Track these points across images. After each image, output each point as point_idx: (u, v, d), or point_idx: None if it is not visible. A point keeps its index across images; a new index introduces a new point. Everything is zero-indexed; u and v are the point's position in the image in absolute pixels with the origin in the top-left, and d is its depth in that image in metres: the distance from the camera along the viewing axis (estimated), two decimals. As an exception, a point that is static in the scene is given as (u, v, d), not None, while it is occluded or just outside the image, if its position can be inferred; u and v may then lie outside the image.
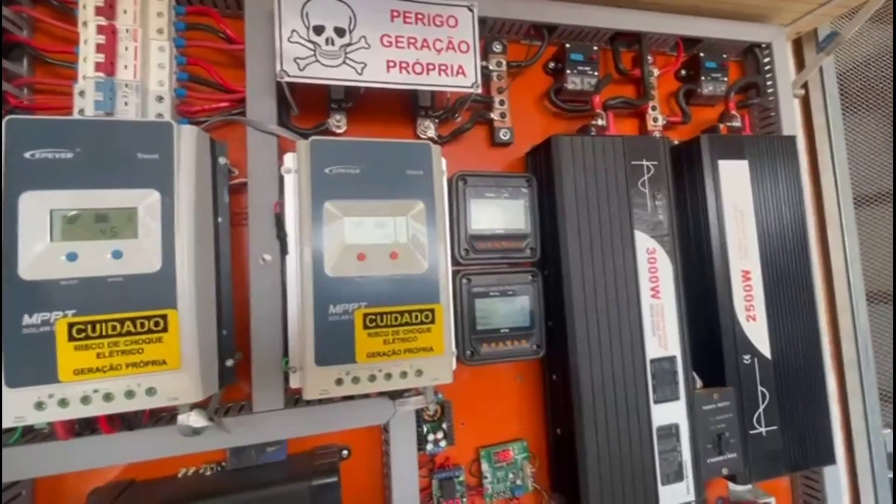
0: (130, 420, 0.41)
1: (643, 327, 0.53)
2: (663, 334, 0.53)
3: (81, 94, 0.42)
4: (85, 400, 0.36)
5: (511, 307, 0.52)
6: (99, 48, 0.41)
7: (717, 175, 0.57)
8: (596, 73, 0.59)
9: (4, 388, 0.34)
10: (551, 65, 0.62)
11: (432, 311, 0.44)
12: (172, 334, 0.37)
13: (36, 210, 0.36)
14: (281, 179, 0.46)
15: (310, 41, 0.44)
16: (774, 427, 0.56)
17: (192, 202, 0.39)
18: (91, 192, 0.37)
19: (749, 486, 0.57)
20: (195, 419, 0.40)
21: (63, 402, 0.35)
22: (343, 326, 0.41)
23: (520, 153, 0.60)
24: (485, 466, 0.54)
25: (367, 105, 0.53)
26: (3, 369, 0.34)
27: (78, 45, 0.43)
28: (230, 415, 0.44)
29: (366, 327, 0.42)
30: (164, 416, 0.44)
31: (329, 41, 0.45)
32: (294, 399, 0.46)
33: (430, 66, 0.47)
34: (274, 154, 0.47)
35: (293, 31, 0.44)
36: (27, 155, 0.36)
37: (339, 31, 0.45)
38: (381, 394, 0.47)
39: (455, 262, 0.50)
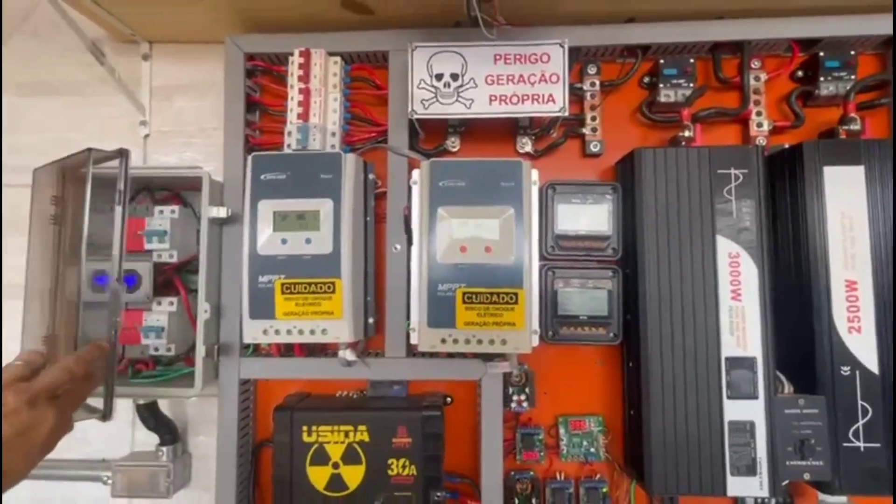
0: (311, 350, 0.62)
1: (720, 327, 0.56)
2: (742, 335, 0.56)
3: (289, 134, 0.63)
4: (289, 332, 0.56)
5: (590, 298, 0.61)
6: (299, 103, 0.62)
7: (821, 182, 0.56)
8: (691, 85, 0.63)
9: (249, 319, 0.57)
10: (646, 79, 0.67)
11: (516, 294, 0.55)
12: (338, 295, 0.56)
13: (266, 211, 0.57)
14: (409, 189, 0.63)
15: (432, 86, 0.59)
16: (877, 444, 0.54)
17: (351, 207, 0.58)
18: (295, 200, 0.57)
19: (844, 499, 0.56)
20: (349, 354, 0.58)
21: (278, 332, 0.56)
22: (448, 300, 0.55)
23: (611, 162, 0.67)
24: (561, 431, 0.64)
25: (476, 128, 0.66)
26: (249, 307, 0.56)
27: (286, 100, 0.65)
28: (370, 357, 0.62)
29: (464, 302, 0.55)
30: (327, 353, 0.64)
31: (446, 84, 0.59)
32: (413, 352, 0.62)
33: (525, 97, 0.58)
34: (405, 171, 0.63)
35: (421, 79, 0.59)
36: (262, 177, 0.58)
37: (454, 76, 0.59)
38: (476, 356, 0.60)
39: (542, 258, 0.60)
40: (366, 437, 0.59)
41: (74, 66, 0.74)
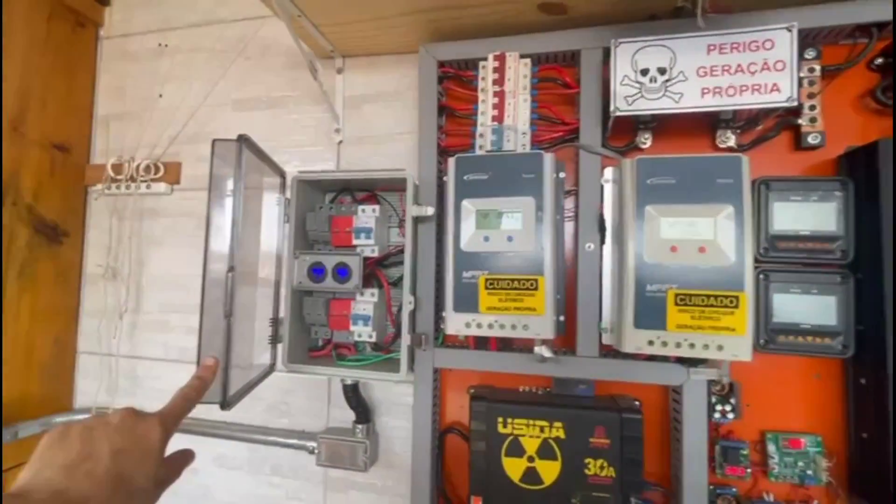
0: (505, 345, 0.64)
1: None
2: None
3: (481, 135, 0.66)
4: (491, 326, 0.59)
5: (814, 305, 0.55)
6: (494, 106, 0.65)
7: None
8: (945, 64, 0.54)
9: (453, 312, 0.60)
10: (878, 60, 0.59)
11: (737, 297, 0.52)
12: (541, 292, 0.57)
13: (469, 210, 0.60)
14: (601, 188, 0.62)
15: (637, 82, 0.58)
16: None
17: (551, 205, 0.59)
18: (497, 199, 0.60)
19: None
20: (545, 351, 0.59)
21: (480, 325, 0.59)
22: (657, 301, 0.54)
23: (828, 155, 0.60)
24: (771, 448, 0.59)
25: (669, 123, 0.64)
26: (454, 300, 0.60)
27: (475, 103, 0.68)
28: (558, 355, 0.62)
29: (676, 304, 0.53)
30: (513, 348, 0.66)
31: (652, 80, 0.57)
32: (604, 353, 0.62)
33: (744, 88, 0.55)
34: (598, 169, 0.62)
35: (624, 76, 0.58)
36: (465, 178, 0.61)
37: (661, 70, 0.57)
38: (677, 360, 0.58)
39: (753, 260, 0.56)
40: (561, 434, 0.59)
41: (277, 83, 0.85)
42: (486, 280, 0.59)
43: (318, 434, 0.73)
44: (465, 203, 0.61)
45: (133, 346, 0.88)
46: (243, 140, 0.58)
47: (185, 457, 0.44)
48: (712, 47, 0.56)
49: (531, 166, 0.59)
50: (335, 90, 0.81)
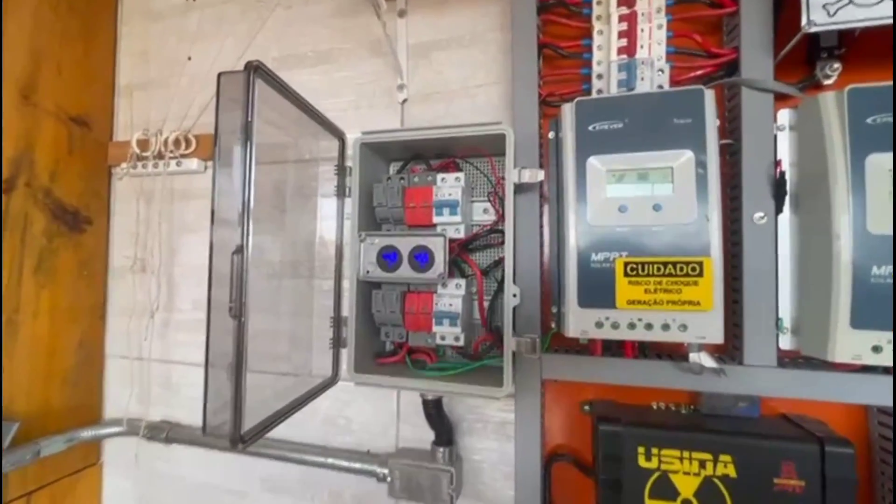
0: (645, 350, 0.49)
1: None
2: None
3: (599, 76, 0.51)
4: (632, 326, 0.44)
5: None
6: (621, 34, 0.49)
7: None
8: None
9: (577, 307, 0.45)
10: None
11: None
12: (707, 279, 0.42)
13: (598, 170, 0.45)
14: (774, 138, 0.46)
15: (842, -17, 0.41)
16: None
17: (716, 159, 0.43)
18: (638, 154, 0.44)
19: None
20: (706, 359, 0.44)
21: (616, 325, 0.44)
22: (887, 290, 0.38)
23: None
24: None
25: (865, 47, 0.47)
26: (578, 292, 0.45)
27: (586, 37, 0.52)
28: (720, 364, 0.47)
29: (923, 294, 0.37)
30: (649, 354, 0.50)
31: (867, -23, 0.41)
32: (782, 360, 0.46)
33: None
34: (769, 112, 0.46)
35: (824, -24, 0.42)
36: (590, 128, 0.46)
37: (882, -37, 0.40)
38: (901, 372, 0.42)
39: None
40: (731, 472, 0.44)
41: (324, 35, 0.71)
42: (626, 265, 0.43)
43: (389, 457, 0.59)
44: (593, 161, 0.45)
45: (166, 348, 0.76)
46: (253, 69, 0.43)
47: None
48: (965, -77, 0.39)
49: (686, 108, 0.43)
50: (397, 38, 0.66)
